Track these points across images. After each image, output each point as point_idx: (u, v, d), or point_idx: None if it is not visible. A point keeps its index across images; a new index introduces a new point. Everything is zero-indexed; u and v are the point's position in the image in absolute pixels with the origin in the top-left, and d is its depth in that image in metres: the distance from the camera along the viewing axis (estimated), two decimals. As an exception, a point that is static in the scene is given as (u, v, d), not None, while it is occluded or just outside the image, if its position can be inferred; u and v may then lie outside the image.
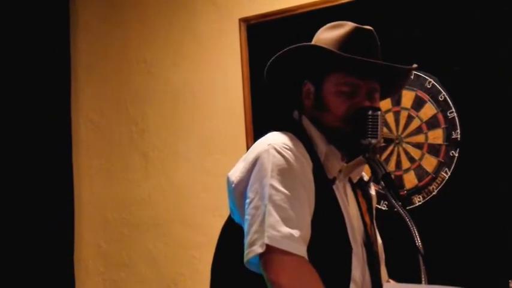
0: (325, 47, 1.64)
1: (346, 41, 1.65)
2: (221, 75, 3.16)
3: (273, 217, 1.48)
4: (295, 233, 1.47)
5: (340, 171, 1.67)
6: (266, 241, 1.46)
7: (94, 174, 3.42)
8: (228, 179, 1.65)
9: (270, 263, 1.47)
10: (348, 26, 1.68)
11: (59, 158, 3.35)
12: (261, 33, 3.05)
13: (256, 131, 2.99)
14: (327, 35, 1.70)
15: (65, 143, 3.40)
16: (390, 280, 1.86)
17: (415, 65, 1.79)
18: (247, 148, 2.92)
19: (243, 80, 3.06)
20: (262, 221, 1.49)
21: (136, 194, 3.31)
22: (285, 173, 1.53)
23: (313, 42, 1.74)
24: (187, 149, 3.21)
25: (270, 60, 1.72)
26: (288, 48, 1.67)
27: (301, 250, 1.48)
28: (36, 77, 3.29)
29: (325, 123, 1.66)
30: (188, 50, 3.27)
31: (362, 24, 1.71)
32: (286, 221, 1.48)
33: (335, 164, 1.66)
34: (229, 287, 1.64)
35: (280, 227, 1.47)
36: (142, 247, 3.26)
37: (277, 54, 1.69)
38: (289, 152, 1.56)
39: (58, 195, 3.30)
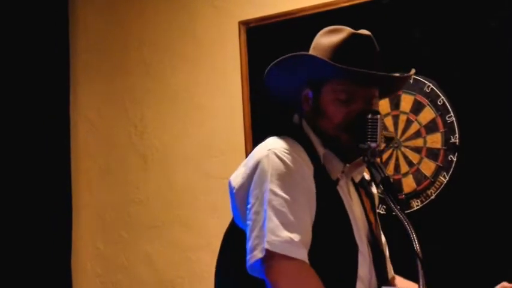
0: (321, 57, 1.65)
1: (342, 49, 1.65)
2: (220, 77, 3.17)
3: (273, 222, 1.50)
4: (295, 237, 1.49)
5: (343, 171, 1.68)
6: (266, 246, 1.48)
7: (92, 175, 3.42)
8: (229, 184, 1.66)
9: (270, 268, 1.48)
10: (345, 31, 1.68)
11: (57, 158, 3.34)
12: (260, 36, 3.05)
13: (255, 133, 2.99)
14: (325, 40, 1.70)
15: (63, 143, 3.40)
16: (396, 276, 1.87)
17: (412, 71, 1.80)
18: (246, 150, 2.95)
19: (242, 82, 3.06)
20: (262, 226, 1.51)
21: (135, 195, 3.30)
22: (285, 178, 1.55)
23: (312, 47, 1.75)
24: (186, 151, 3.21)
25: (269, 67, 1.72)
26: (285, 56, 1.68)
27: (301, 254, 1.49)
28: (35, 77, 3.29)
29: (322, 129, 1.67)
30: (188, 52, 3.27)
31: (361, 28, 1.72)
32: (286, 226, 1.49)
33: (336, 165, 1.67)
34: None
35: (280, 232, 1.49)
36: (141, 249, 3.25)
37: (275, 61, 1.70)
38: (288, 157, 1.57)
39: (56, 197, 3.30)
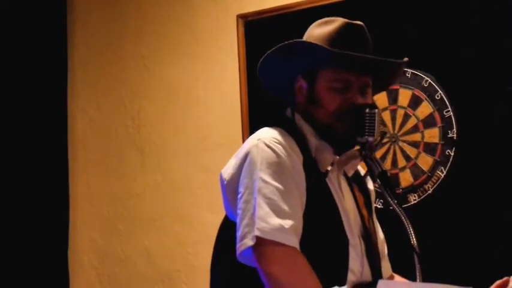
0: (317, 43, 1.65)
1: (336, 37, 1.66)
2: (218, 71, 3.16)
3: (263, 209, 1.50)
4: (286, 224, 1.49)
5: (332, 163, 1.67)
6: (256, 233, 1.48)
7: (90, 168, 3.42)
8: (220, 176, 1.66)
9: (262, 255, 1.48)
10: (339, 21, 1.70)
11: (55, 152, 3.35)
12: (258, 30, 3.05)
13: (253, 127, 2.99)
14: (318, 31, 1.71)
15: (61, 136, 3.40)
16: (394, 275, 1.87)
17: (406, 59, 1.79)
18: (244, 144, 2.94)
19: (240, 76, 3.06)
20: (253, 214, 1.51)
21: (132, 189, 3.30)
22: (274, 166, 1.55)
23: (304, 39, 1.74)
24: (184, 145, 3.21)
25: (263, 57, 1.72)
26: (280, 44, 1.68)
27: (292, 241, 1.49)
28: (33, 71, 3.29)
29: (318, 119, 1.67)
30: (185, 45, 3.26)
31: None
32: (276, 213, 1.50)
33: (327, 157, 1.66)
34: (228, 284, 1.65)
35: (270, 219, 1.49)
36: (138, 242, 3.26)
37: (270, 51, 1.70)
38: (278, 146, 1.58)
39: (53, 190, 3.30)
